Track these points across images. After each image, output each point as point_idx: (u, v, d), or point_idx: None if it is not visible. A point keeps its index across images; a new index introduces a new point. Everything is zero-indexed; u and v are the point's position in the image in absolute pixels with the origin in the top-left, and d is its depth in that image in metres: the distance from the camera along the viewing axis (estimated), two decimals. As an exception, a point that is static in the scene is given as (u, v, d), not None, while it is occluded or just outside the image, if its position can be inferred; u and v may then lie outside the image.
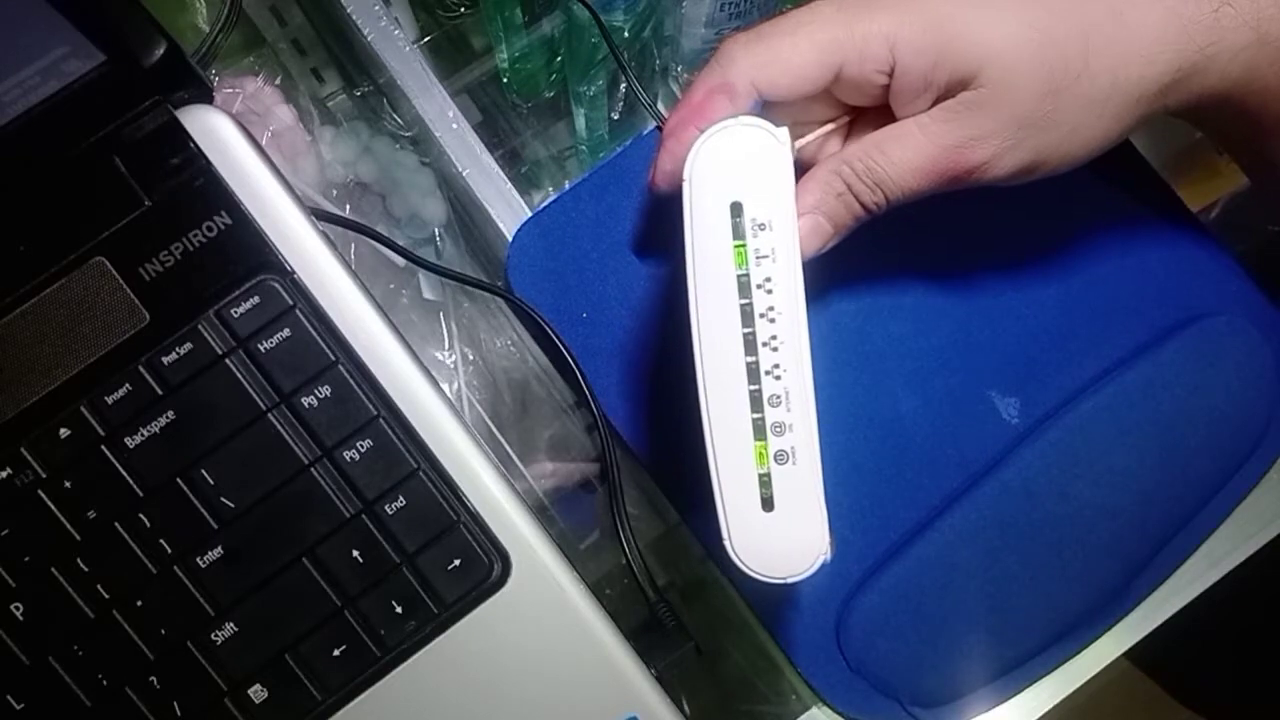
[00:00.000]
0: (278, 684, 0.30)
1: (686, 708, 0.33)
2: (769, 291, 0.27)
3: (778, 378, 0.27)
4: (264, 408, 0.30)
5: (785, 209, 0.27)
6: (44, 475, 0.30)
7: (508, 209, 0.39)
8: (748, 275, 0.27)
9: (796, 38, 0.29)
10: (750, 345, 0.27)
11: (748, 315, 0.27)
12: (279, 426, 0.30)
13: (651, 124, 0.39)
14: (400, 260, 0.40)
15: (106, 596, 0.30)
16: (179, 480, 0.30)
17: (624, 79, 0.42)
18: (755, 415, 0.27)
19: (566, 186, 0.39)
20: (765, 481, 0.27)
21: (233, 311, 0.31)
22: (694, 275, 0.27)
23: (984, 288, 0.38)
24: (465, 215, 0.43)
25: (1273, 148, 0.31)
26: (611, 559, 0.38)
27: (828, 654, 0.35)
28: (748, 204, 0.27)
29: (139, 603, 0.30)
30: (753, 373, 0.27)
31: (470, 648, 0.31)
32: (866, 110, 0.32)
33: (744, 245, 0.27)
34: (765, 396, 0.27)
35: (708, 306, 0.27)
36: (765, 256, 0.27)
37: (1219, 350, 0.36)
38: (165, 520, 0.30)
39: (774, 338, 0.27)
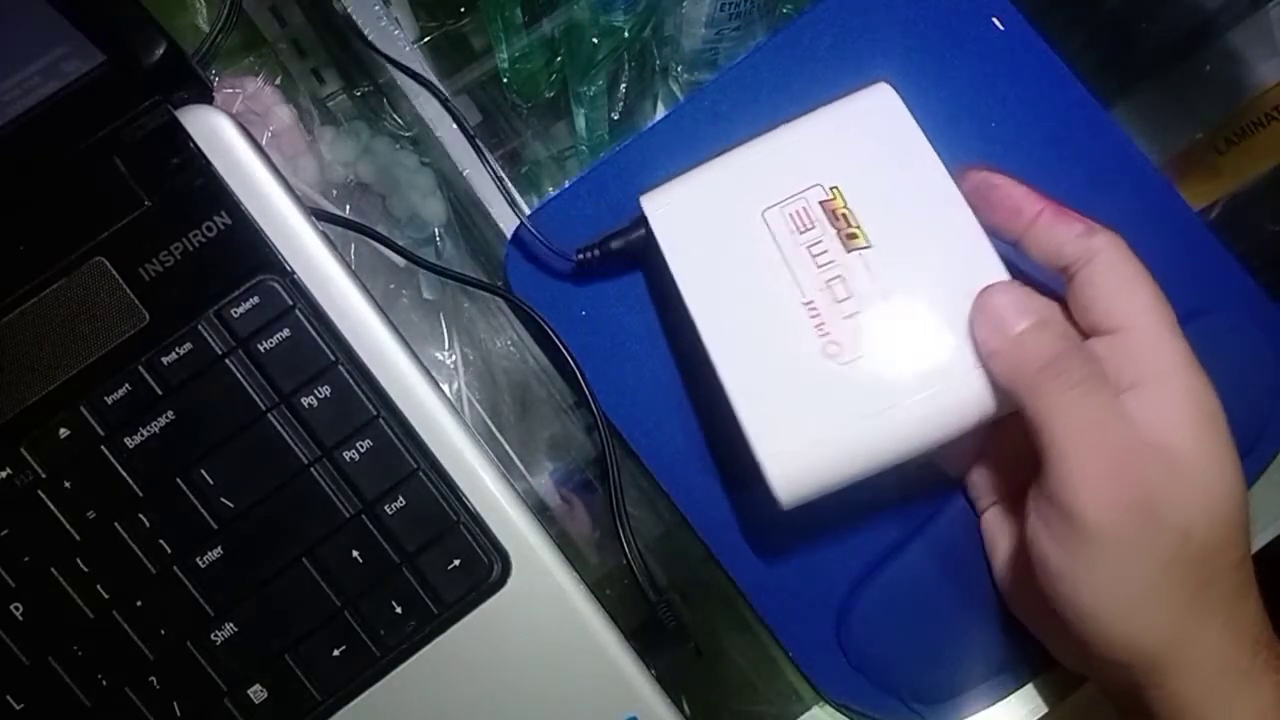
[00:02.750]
0: (278, 684, 0.30)
1: (686, 708, 0.33)
2: None
3: None
4: (264, 408, 0.30)
5: None
6: (44, 475, 0.30)
7: (508, 209, 0.39)
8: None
9: None
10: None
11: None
12: (279, 427, 0.30)
13: (652, 121, 0.39)
14: (400, 260, 0.40)
15: (106, 596, 0.30)
16: (179, 480, 0.30)
17: (623, 79, 0.42)
18: None
19: (566, 186, 0.39)
20: None
21: (232, 311, 0.31)
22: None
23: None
24: (465, 215, 0.43)
25: None
26: (611, 559, 0.38)
27: (828, 651, 0.35)
28: None
29: (139, 603, 0.30)
30: None
31: (470, 648, 0.31)
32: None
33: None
34: None
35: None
36: None
37: (1219, 348, 0.36)
38: (165, 520, 0.30)
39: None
